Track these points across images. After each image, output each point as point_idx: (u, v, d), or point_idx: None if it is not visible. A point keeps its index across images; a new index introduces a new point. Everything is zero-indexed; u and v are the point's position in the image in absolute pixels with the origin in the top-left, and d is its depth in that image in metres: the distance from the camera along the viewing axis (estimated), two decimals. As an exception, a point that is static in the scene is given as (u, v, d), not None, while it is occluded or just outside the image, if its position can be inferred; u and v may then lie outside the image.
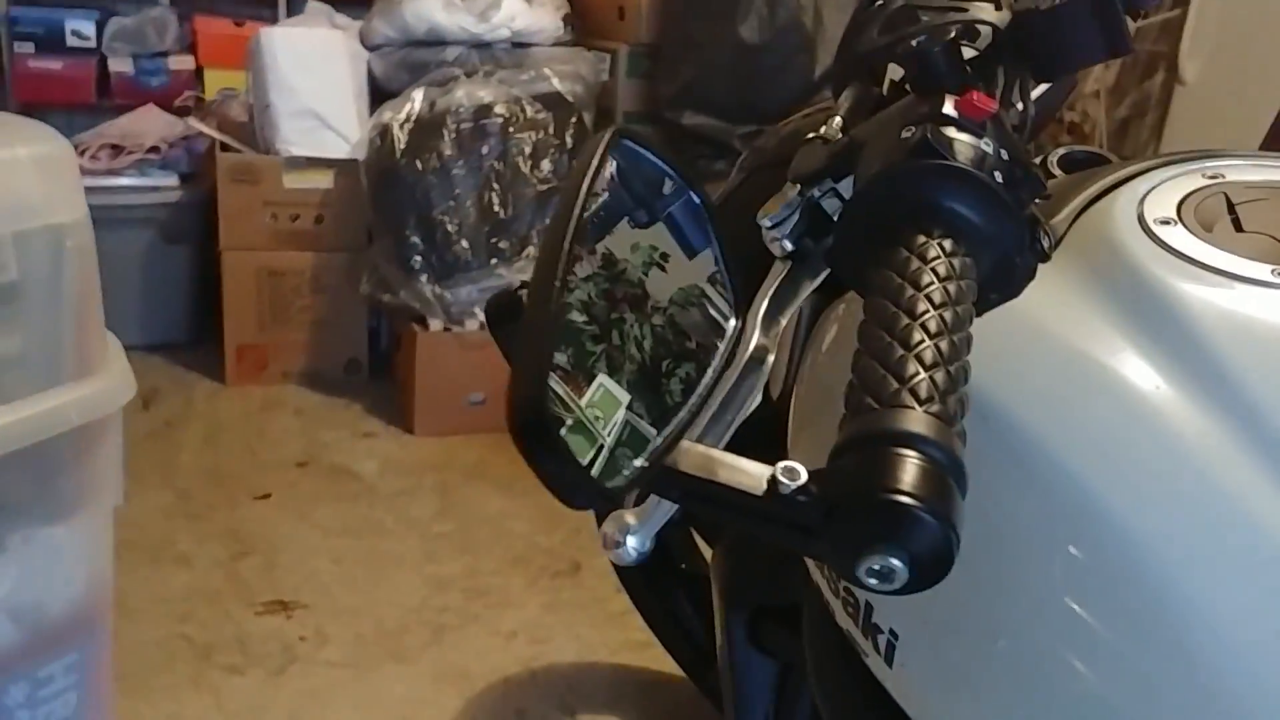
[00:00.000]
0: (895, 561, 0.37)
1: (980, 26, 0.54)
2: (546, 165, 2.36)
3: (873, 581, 0.37)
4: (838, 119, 0.60)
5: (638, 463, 0.42)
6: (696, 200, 0.51)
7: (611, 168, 0.50)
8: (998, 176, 0.48)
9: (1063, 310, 0.57)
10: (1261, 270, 0.54)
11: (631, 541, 0.47)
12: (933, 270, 0.44)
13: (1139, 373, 0.53)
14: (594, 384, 0.50)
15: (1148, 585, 0.49)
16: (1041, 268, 0.61)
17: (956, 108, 0.49)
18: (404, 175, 2.31)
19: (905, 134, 0.48)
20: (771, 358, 0.53)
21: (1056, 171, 0.73)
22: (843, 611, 0.65)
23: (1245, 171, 0.63)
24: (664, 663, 1.51)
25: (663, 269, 0.54)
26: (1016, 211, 0.47)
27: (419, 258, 2.31)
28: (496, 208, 2.33)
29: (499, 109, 2.33)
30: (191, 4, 3.05)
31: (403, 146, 2.31)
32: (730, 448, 0.97)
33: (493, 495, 2.14)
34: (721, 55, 2.30)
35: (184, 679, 1.58)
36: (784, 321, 0.55)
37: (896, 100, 0.54)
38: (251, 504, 2.05)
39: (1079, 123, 3.41)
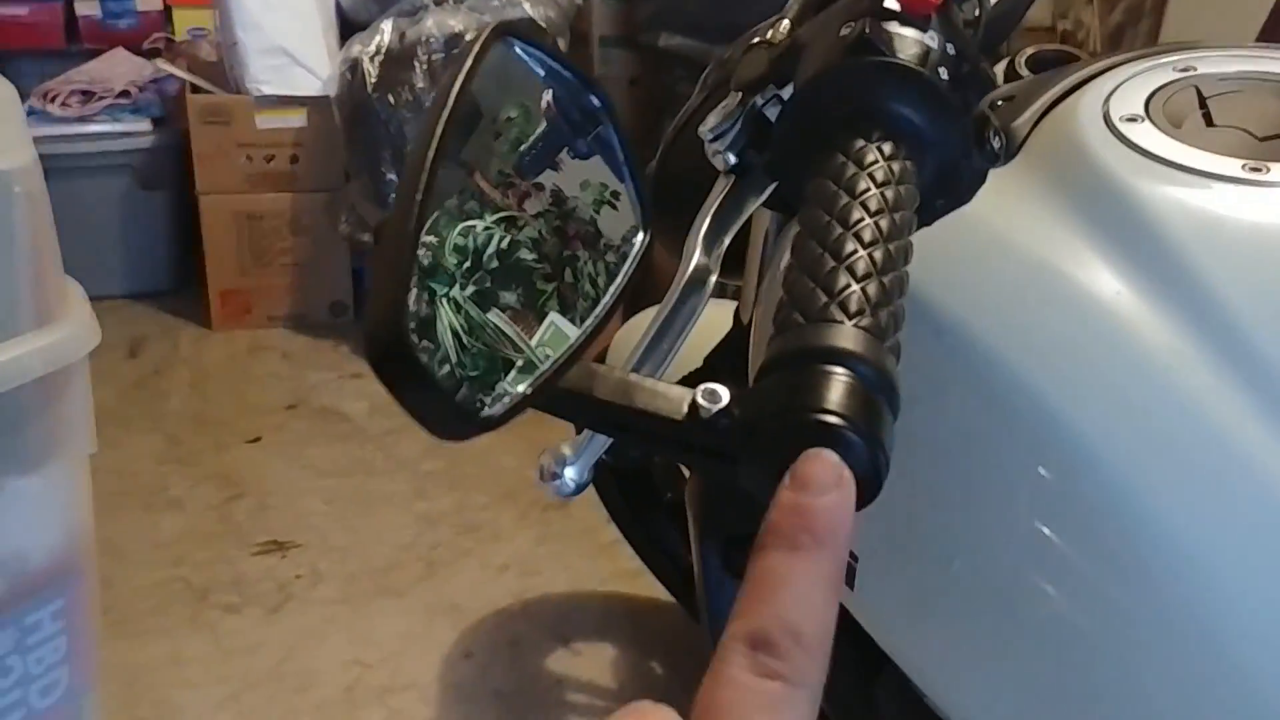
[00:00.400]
0: None
1: None
2: (523, 94, 2.31)
3: None
4: (785, 23, 0.58)
5: (521, 388, 0.40)
6: (596, 101, 0.48)
7: (548, 95, 0.48)
8: (943, 74, 0.45)
9: (1023, 216, 0.55)
10: (1232, 166, 0.52)
11: (569, 473, 0.45)
12: (869, 175, 0.42)
13: (1100, 280, 0.51)
14: (545, 322, 0.48)
15: (1110, 502, 0.48)
16: (1003, 172, 0.59)
17: (899, 0, 0.46)
18: (376, 110, 2.26)
19: (844, 31, 0.46)
20: (713, 278, 0.51)
21: (1024, 72, 0.70)
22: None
23: (1218, 63, 0.60)
24: (655, 590, 1.52)
25: (614, 207, 0.52)
26: (962, 111, 0.45)
27: (395, 194, 2.27)
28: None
29: (470, 37, 2.26)
30: (156, -59, 2.96)
31: (374, 80, 2.26)
32: (701, 375, 0.95)
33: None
34: (698, -27, 2.24)
35: (182, 620, 1.60)
36: (727, 240, 0.52)
37: None
38: (242, 447, 2.05)
39: (1071, 30, 3.34)
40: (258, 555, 1.75)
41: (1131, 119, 0.56)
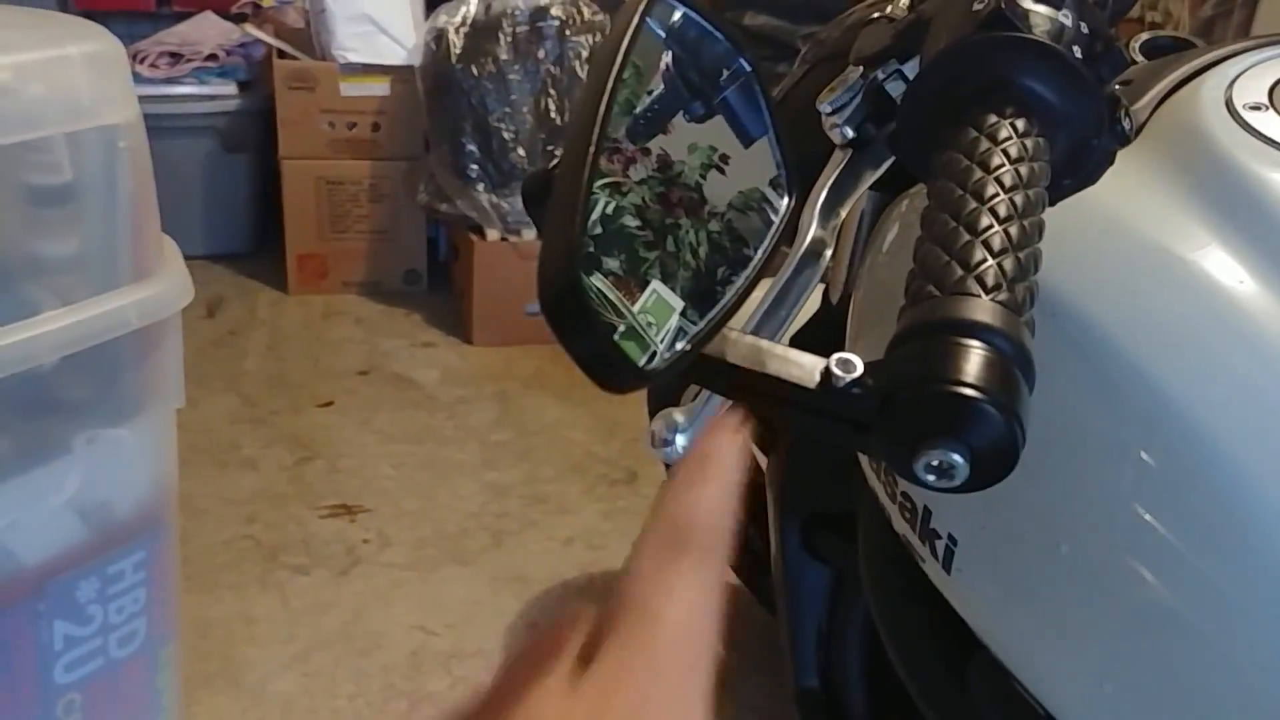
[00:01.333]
0: (956, 456, 0.35)
1: None
2: (604, 70, 2.30)
3: (930, 478, 0.35)
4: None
5: (680, 346, 0.40)
6: (747, 66, 0.48)
7: (667, 58, 0.48)
8: (1076, 51, 0.44)
9: (1141, 200, 0.54)
10: None
11: (680, 440, 0.46)
12: (1003, 151, 0.41)
13: (1222, 267, 0.50)
14: (647, 290, 0.48)
15: (1222, 491, 0.47)
16: (1121, 156, 0.57)
17: None
18: (460, 81, 2.28)
19: (976, 6, 0.45)
20: (830, 251, 0.50)
21: (1138, 58, 0.68)
22: (900, 516, 0.63)
23: None
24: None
25: (722, 172, 0.52)
26: (1096, 89, 0.44)
27: (475, 166, 2.29)
28: (553, 114, 2.29)
29: (555, 11, 2.27)
30: (247, -92, 3.01)
31: (458, 51, 2.27)
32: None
33: (550, 404, 2.15)
34: (785, -48, 2.21)
35: (251, 578, 1.63)
36: (843, 214, 0.52)
37: None
38: (314, 410, 2.09)
39: (1160, 23, 3.24)
40: (327, 518, 1.79)
41: (1256, 107, 0.54)
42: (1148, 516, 0.49)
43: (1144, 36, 0.70)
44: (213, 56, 2.55)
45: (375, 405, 2.11)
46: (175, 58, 2.54)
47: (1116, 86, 0.61)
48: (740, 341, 0.41)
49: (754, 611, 1.45)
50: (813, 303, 0.93)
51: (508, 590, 1.66)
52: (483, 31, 2.28)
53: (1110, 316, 0.51)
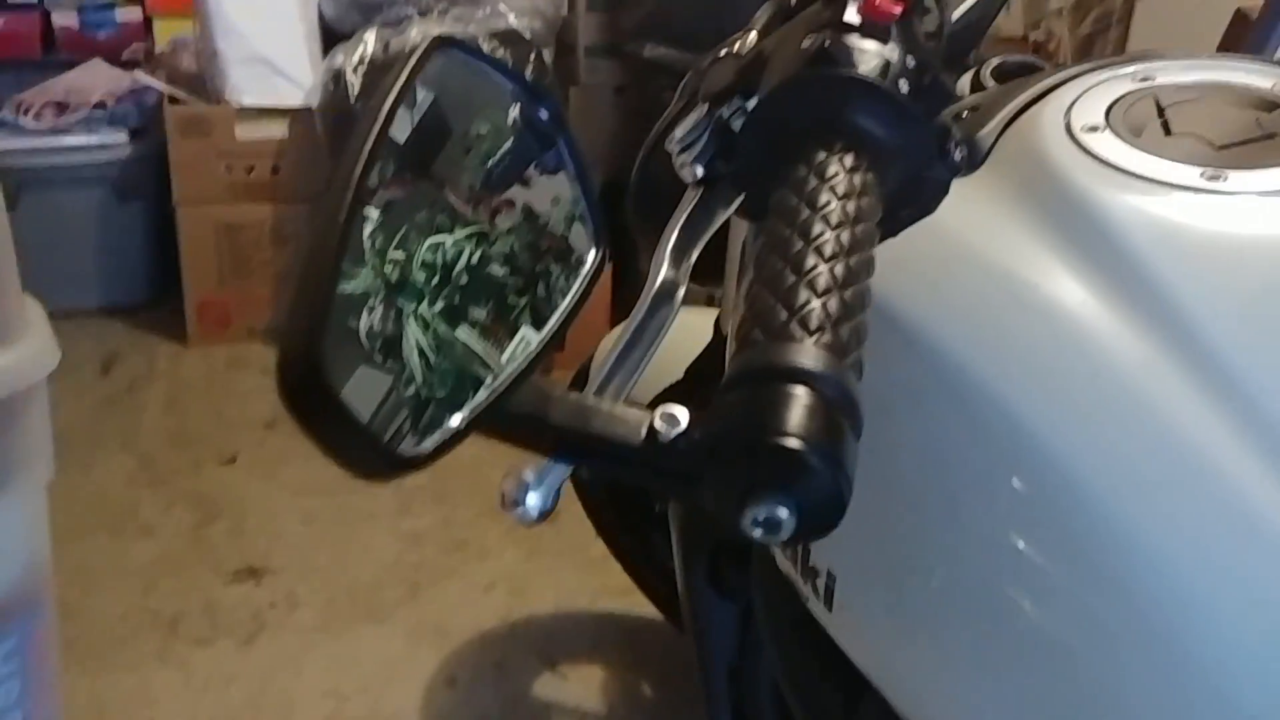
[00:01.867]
0: (781, 511, 0.33)
1: None
2: (505, 104, 2.29)
3: (758, 532, 0.34)
4: (753, 34, 0.57)
5: (453, 423, 0.38)
6: (546, 112, 0.47)
7: (515, 110, 0.47)
8: (903, 86, 0.44)
9: (989, 226, 0.54)
10: (1190, 174, 0.52)
11: (532, 500, 0.44)
12: (830, 188, 0.40)
13: (1066, 288, 0.50)
14: (516, 336, 0.47)
15: (1083, 512, 0.47)
16: (969, 181, 0.57)
17: (860, 12, 0.45)
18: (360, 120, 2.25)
19: (806, 43, 0.45)
20: (682, 290, 0.50)
21: (990, 82, 0.69)
22: (781, 554, 0.63)
23: (1176, 73, 0.59)
24: (645, 606, 1.49)
25: (584, 223, 0.52)
26: (923, 122, 0.44)
27: (378, 205, 2.25)
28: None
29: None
30: (137, -49, 2.95)
31: (357, 91, 2.24)
32: (682, 386, 0.93)
33: (468, 442, 2.10)
34: (680, -19, 2.22)
35: (149, 653, 1.56)
36: (695, 252, 0.52)
37: (805, 9, 0.51)
38: (217, 468, 2.02)
39: (1043, 41, 3.34)
40: (231, 583, 1.72)
41: (1092, 129, 0.55)
42: (1016, 543, 0.49)
43: (994, 61, 0.71)
44: (102, 104, 2.48)
45: (282, 458, 2.05)
46: (63, 107, 2.47)
47: (962, 114, 0.61)
48: (564, 400, 0.39)
49: (681, 646, 1.43)
50: (707, 333, 0.92)
51: (426, 645, 1.61)
52: (382, 70, 2.25)
53: (963, 342, 0.51)
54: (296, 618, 1.65)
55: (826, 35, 0.45)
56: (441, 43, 0.43)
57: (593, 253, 0.49)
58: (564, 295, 0.48)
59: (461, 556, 1.80)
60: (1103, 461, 0.47)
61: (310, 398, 0.31)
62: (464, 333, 0.45)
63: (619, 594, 1.66)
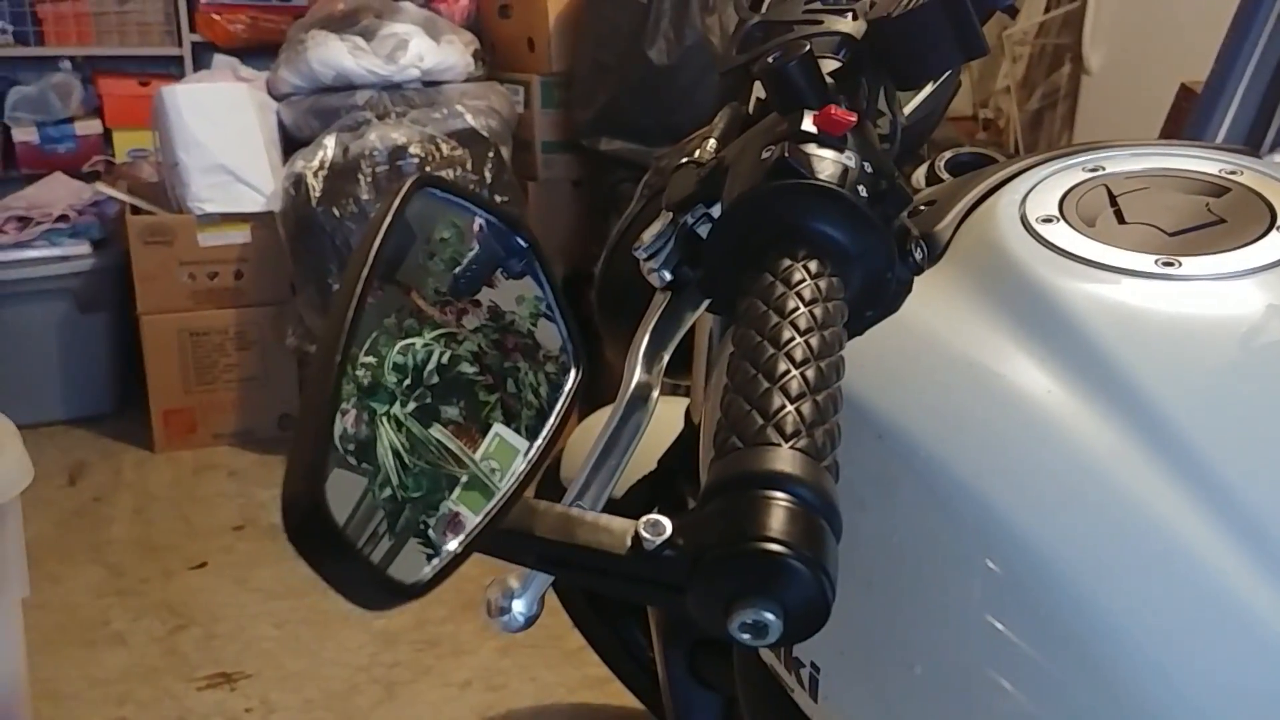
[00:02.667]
0: (768, 615, 0.35)
1: (837, 39, 0.53)
2: (466, 202, 2.33)
3: (746, 637, 0.35)
4: (712, 141, 0.59)
5: (450, 546, 0.39)
6: (522, 243, 0.49)
7: (480, 220, 0.48)
8: (861, 191, 0.46)
9: (952, 318, 0.55)
10: (1145, 261, 0.53)
11: (517, 606, 0.45)
12: (797, 295, 0.42)
13: (1029, 377, 0.51)
14: (489, 434, 0.48)
15: (1056, 597, 0.47)
16: (931, 275, 0.60)
17: (815, 123, 0.47)
18: (322, 223, 2.27)
19: (765, 154, 0.47)
20: (656, 394, 0.51)
21: (944, 175, 0.72)
22: (765, 647, 0.63)
23: (1125, 162, 0.62)
24: (624, 697, 1.48)
25: (550, 319, 0.53)
26: (882, 226, 0.46)
27: (343, 306, 2.26)
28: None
29: (414, 149, 2.30)
30: (95, 66, 2.99)
31: (318, 194, 2.27)
32: (655, 477, 0.94)
33: (438, 541, 2.10)
34: (632, 79, 2.29)
35: (124, 765, 1.53)
36: (667, 356, 0.53)
37: (763, 119, 0.53)
38: (187, 574, 1.99)
39: (993, 119, 3.46)
40: (205, 689, 1.68)
41: (1047, 219, 0.57)
42: (993, 630, 0.49)
43: (948, 154, 0.74)
44: (64, 217, 2.49)
45: (252, 562, 2.03)
46: (24, 221, 2.47)
47: (920, 209, 0.64)
48: (549, 513, 0.40)
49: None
50: (678, 423, 0.93)
51: (404, 746, 1.58)
52: (342, 173, 2.29)
53: (932, 434, 0.52)
54: (272, 724, 1.61)
55: (785, 145, 0.46)
56: (420, 183, 0.44)
57: (572, 373, 0.50)
58: (535, 390, 0.49)
59: (436, 654, 1.78)
60: (1073, 548, 0.47)
61: (317, 537, 0.32)
62: (437, 432, 0.46)
63: (596, 684, 1.64)
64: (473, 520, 0.40)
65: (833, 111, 0.47)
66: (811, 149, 0.46)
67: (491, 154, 2.37)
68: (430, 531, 0.39)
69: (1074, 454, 0.49)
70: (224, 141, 2.35)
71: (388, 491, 0.42)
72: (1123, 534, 0.47)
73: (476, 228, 0.49)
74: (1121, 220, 0.57)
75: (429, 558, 0.38)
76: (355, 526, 0.34)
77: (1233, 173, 0.60)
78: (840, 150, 0.47)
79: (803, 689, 0.59)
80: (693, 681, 0.93)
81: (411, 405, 0.46)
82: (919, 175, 0.73)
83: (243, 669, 1.72)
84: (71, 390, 2.53)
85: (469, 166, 2.33)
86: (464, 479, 0.44)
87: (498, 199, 2.34)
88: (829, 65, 0.53)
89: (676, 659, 0.93)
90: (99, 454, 2.44)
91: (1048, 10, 3.37)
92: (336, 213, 2.27)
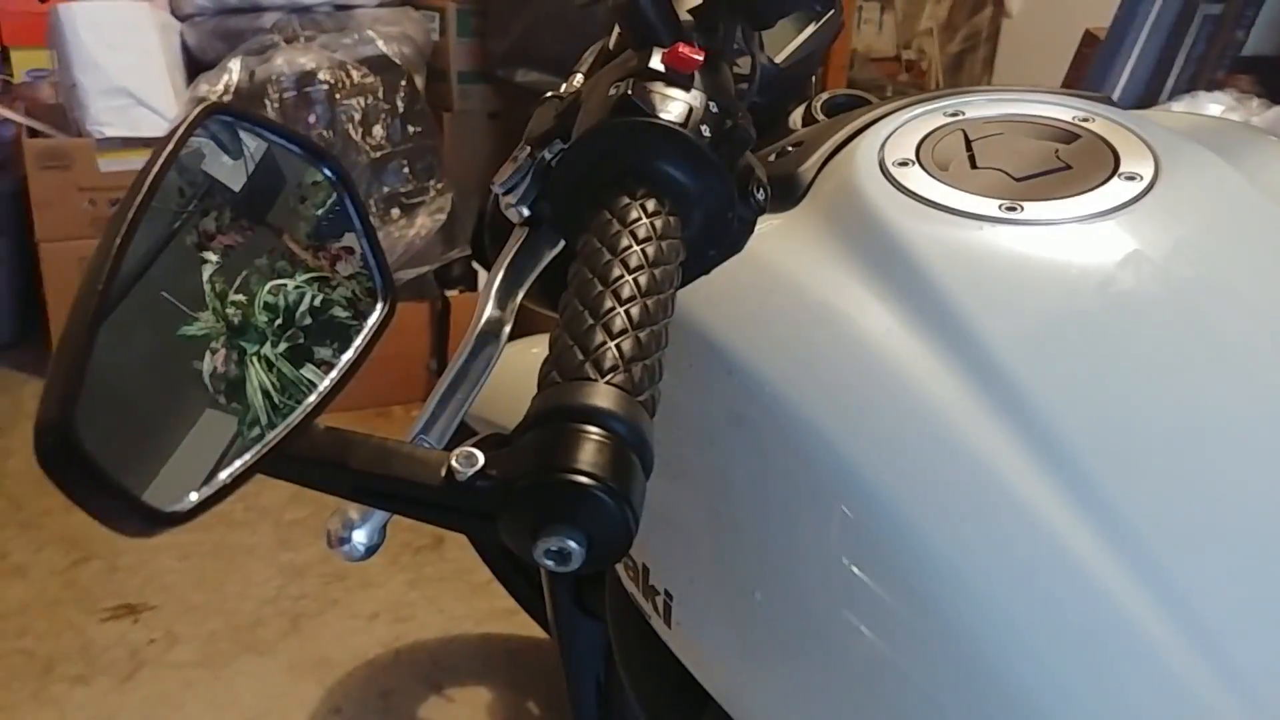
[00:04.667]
0: (571, 542, 0.36)
1: None
2: (378, 131, 2.28)
3: (550, 563, 0.36)
4: (579, 76, 0.59)
5: (223, 475, 0.39)
6: (330, 174, 0.49)
7: (279, 154, 0.47)
8: (705, 131, 0.46)
9: (806, 258, 0.57)
10: (990, 205, 0.55)
11: (358, 536, 0.45)
12: (631, 233, 0.43)
13: (874, 318, 0.53)
14: (344, 356, 0.49)
15: (895, 534, 0.49)
16: (790, 215, 0.61)
17: (664, 61, 0.47)
18: (228, 151, 2.21)
19: (611, 91, 0.47)
20: (507, 329, 0.51)
21: (820, 116, 0.73)
22: (625, 574, 0.65)
23: (984, 108, 0.63)
24: (531, 628, 1.51)
25: (360, 252, 0.52)
26: (721, 166, 0.47)
27: (250, 236, 2.22)
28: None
29: (323, 75, 2.24)
30: (-12, -20, 2.85)
31: (224, 121, 2.21)
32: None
33: (350, 475, 2.09)
34: (549, 9, 2.25)
35: (24, 696, 1.51)
36: (522, 292, 0.53)
37: (621, 55, 0.53)
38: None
39: (915, 60, 3.48)
40: (108, 620, 1.68)
41: (903, 163, 0.58)
42: (839, 564, 0.51)
43: (825, 96, 0.75)
44: (-44, 138, 2.39)
45: (157, 495, 2.01)
46: (-87, 142, 2.37)
47: (787, 150, 0.65)
48: (364, 444, 0.41)
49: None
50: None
51: (309, 677, 1.59)
52: (248, 99, 2.22)
53: (779, 371, 0.54)
54: (176, 654, 1.61)
55: (630, 83, 0.47)
56: (210, 109, 0.43)
57: (379, 307, 0.50)
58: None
59: (344, 587, 1.78)
60: (908, 487, 0.49)
61: (66, 463, 0.33)
62: (309, 372, 0.46)
63: (504, 616, 1.67)
64: (249, 451, 0.41)
65: (680, 49, 0.47)
66: (657, 87, 0.47)
67: (404, 83, 2.32)
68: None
69: (910, 396, 0.50)
70: (124, 63, 2.26)
71: (256, 431, 0.42)
72: (954, 476, 0.49)
73: (279, 157, 0.48)
74: (974, 165, 0.58)
75: (198, 486, 0.38)
76: (114, 453, 0.35)
77: (1085, 120, 0.61)
78: (686, 89, 0.47)
79: (658, 615, 0.61)
80: (577, 610, 0.95)
81: (283, 345, 0.46)
82: (796, 116, 0.74)
83: (146, 601, 1.72)
84: (-33, 319, 2.45)
85: (380, 95, 2.28)
86: (258, 435, 0.43)
87: (410, 129, 2.30)
88: (690, 3, 0.53)
89: (563, 589, 0.95)
90: (-2, 385, 2.38)
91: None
92: (244, 140, 2.21)
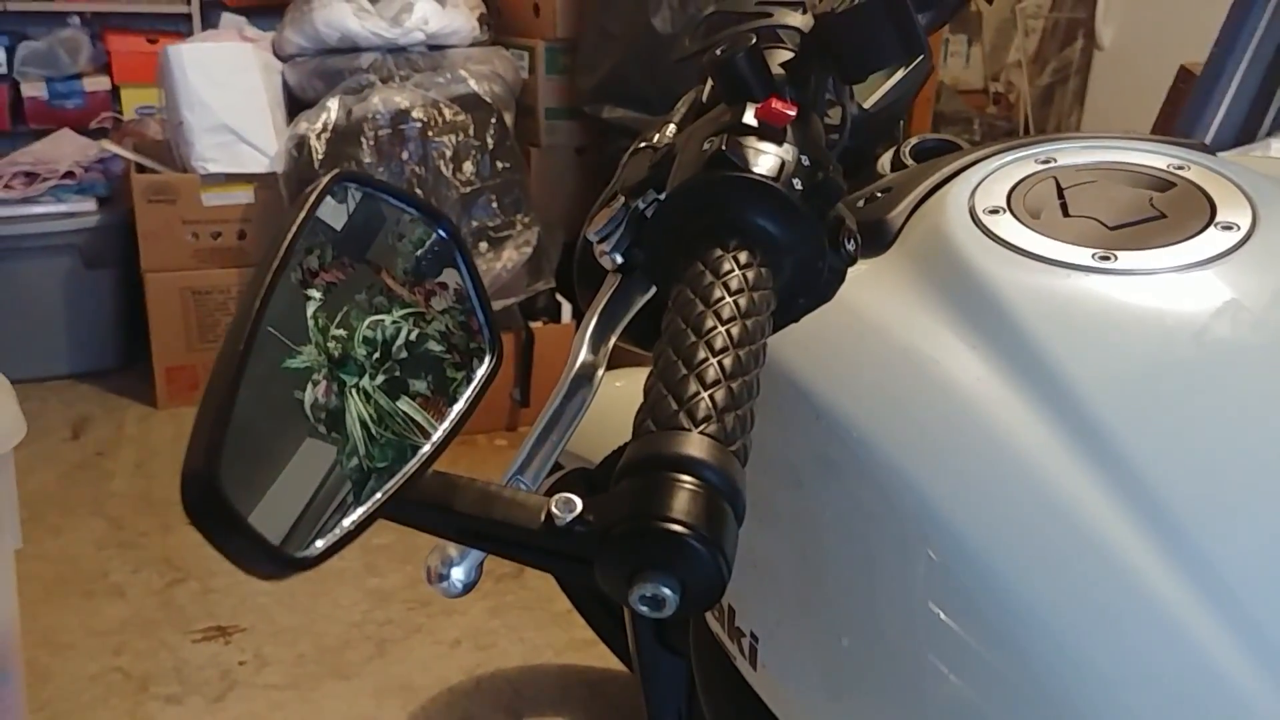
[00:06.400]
0: (665, 589, 0.37)
1: (786, 32, 0.54)
2: (468, 167, 2.34)
3: (644, 609, 0.37)
4: (671, 126, 0.60)
5: (346, 523, 0.41)
6: (443, 234, 0.51)
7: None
8: (797, 184, 0.47)
9: (896, 305, 0.57)
10: (1082, 254, 0.55)
11: (456, 573, 0.47)
12: (724, 284, 0.44)
13: (963, 366, 0.53)
14: (455, 408, 0.50)
15: (983, 582, 0.49)
16: (879, 261, 0.61)
17: (757, 115, 0.49)
18: (324, 186, 2.28)
19: (706, 145, 0.48)
20: (600, 373, 0.52)
21: (909, 161, 0.73)
22: (711, 616, 0.65)
23: (1077, 155, 0.63)
24: (609, 660, 1.51)
25: (469, 308, 0.54)
26: (814, 218, 0.47)
27: (344, 268, 2.28)
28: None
29: (416, 113, 2.30)
30: (104, 22, 3.00)
31: (321, 157, 2.29)
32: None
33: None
34: (637, 47, 2.29)
35: (120, 713, 1.57)
36: (614, 337, 0.54)
37: (714, 107, 0.54)
38: (185, 529, 2.02)
39: (1004, 93, 3.44)
40: (200, 641, 1.73)
41: (994, 211, 0.58)
42: (925, 610, 0.51)
43: (913, 141, 0.75)
44: (70, 174, 2.52)
45: (250, 518, 2.07)
46: (31, 177, 2.50)
47: (876, 196, 0.65)
48: (469, 488, 0.42)
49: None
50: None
51: (393, 702, 1.62)
52: (345, 136, 2.30)
53: (868, 417, 0.54)
54: (265, 676, 1.65)
55: (724, 138, 0.48)
56: (338, 178, 0.46)
57: (486, 360, 0.52)
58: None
59: (427, 613, 1.81)
60: (996, 534, 0.49)
61: (210, 513, 0.34)
62: (405, 404, 0.48)
63: (583, 647, 1.68)
64: (371, 500, 0.42)
65: (773, 104, 0.48)
66: (750, 141, 0.48)
67: (494, 120, 2.38)
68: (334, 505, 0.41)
69: (998, 444, 0.50)
70: (229, 102, 2.36)
71: (354, 461, 0.44)
72: (1042, 524, 0.49)
73: (399, 219, 0.51)
74: (1066, 213, 0.58)
75: (324, 532, 0.40)
76: (248, 498, 0.36)
77: (1180, 168, 0.61)
78: (779, 143, 0.48)
79: (743, 657, 0.61)
80: (660, 646, 0.96)
81: (380, 378, 0.48)
82: (885, 161, 0.74)
83: (238, 623, 1.76)
84: (77, 345, 2.56)
85: (471, 132, 2.34)
86: (375, 485, 0.44)
87: (499, 165, 2.35)
88: (781, 56, 0.54)
89: (645, 625, 0.96)
90: (102, 409, 2.48)
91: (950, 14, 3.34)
92: (339, 175, 2.28)
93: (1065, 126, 3.20)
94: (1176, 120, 1.70)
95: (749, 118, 0.48)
